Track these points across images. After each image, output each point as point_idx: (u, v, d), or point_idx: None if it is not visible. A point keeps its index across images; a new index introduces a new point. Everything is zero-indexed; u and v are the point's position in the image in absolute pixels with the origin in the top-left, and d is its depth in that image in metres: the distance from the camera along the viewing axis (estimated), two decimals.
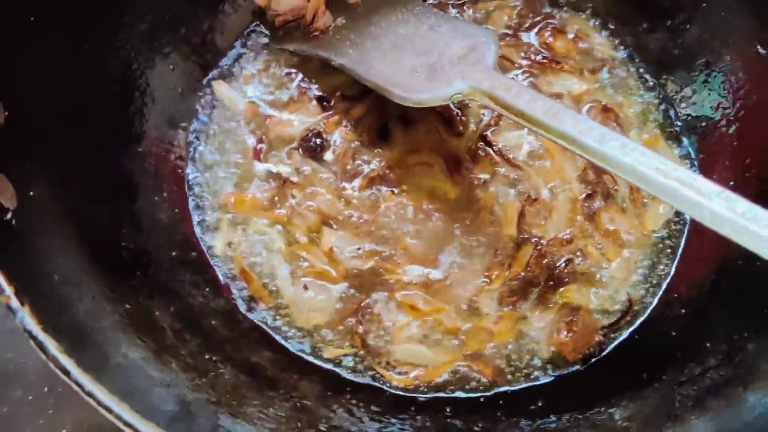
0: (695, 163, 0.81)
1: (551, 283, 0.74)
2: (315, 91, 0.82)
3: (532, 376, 0.70)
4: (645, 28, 0.86)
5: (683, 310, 0.72)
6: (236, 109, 0.81)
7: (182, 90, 0.79)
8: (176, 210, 0.74)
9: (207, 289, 0.71)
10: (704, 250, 0.74)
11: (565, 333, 0.71)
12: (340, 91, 0.81)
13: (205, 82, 0.81)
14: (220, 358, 0.63)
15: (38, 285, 0.51)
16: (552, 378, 0.70)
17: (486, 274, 0.74)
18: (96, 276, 0.59)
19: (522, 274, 0.74)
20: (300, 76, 0.83)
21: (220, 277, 0.73)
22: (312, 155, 0.78)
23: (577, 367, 0.71)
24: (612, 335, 0.73)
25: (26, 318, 0.47)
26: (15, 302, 0.47)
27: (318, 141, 0.78)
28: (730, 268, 0.69)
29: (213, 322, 0.68)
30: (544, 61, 0.85)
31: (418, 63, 0.74)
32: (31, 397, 0.80)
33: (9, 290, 0.47)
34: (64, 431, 0.78)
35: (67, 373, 0.46)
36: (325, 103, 0.81)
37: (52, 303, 0.51)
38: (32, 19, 0.62)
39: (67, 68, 0.66)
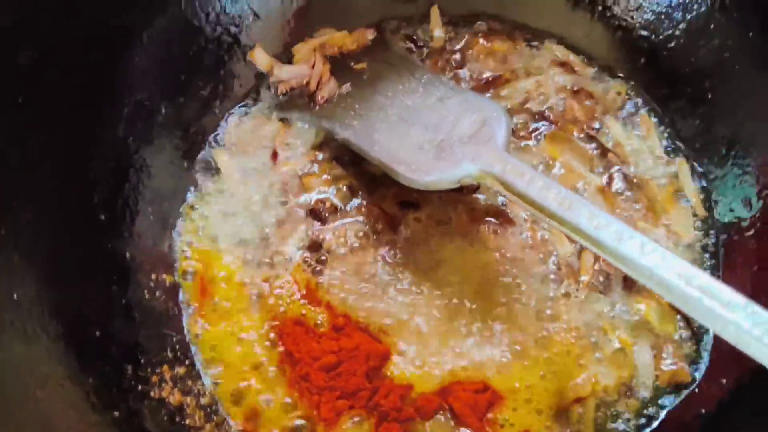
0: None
1: None
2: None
3: None
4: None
5: (703, 410, 0.68)
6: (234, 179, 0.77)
7: (179, 164, 0.76)
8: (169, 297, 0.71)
9: (200, 390, 0.67)
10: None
11: None
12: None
13: (201, 155, 0.78)
14: None
15: (20, 408, 0.48)
16: None
17: None
18: (82, 383, 0.56)
19: None
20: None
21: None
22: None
23: None
24: None
25: None
26: None
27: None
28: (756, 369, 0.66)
29: (207, 426, 0.64)
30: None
31: (425, 139, 0.70)
32: None
33: None
34: None
35: None
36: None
37: (34, 427, 0.48)
38: (20, 101, 0.59)
39: (58, 150, 0.63)
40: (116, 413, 0.58)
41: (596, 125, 0.81)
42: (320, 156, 0.78)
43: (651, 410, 0.69)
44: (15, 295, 0.54)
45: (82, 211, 0.65)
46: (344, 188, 0.76)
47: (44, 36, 0.61)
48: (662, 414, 0.69)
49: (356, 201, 0.76)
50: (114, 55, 0.69)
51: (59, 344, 0.57)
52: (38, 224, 0.59)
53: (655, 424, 0.68)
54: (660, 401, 0.69)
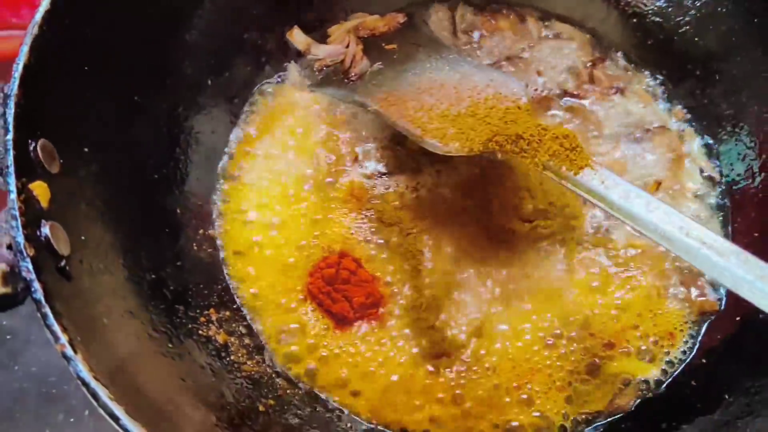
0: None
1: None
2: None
3: None
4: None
5: (704, 360, 0.73)
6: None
7: (223, 131, 0.83)
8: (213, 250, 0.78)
9: (243, 331, 0.74)
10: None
11: None
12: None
13: (242, 124, 0.85)
14: (259, 402, 0.65)
15: (89, 331, 0.54)
16: None
17: None
18: (140, 316, 0.63)
19: None
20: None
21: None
22: None
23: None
24: None
25: (79, 367, 0.50)
26: (69, 351, 0.50)
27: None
28: (752, 321, 0.71)
29: (248, 363, 0.71)
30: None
31: (450, 111, 0.76)
32: (72, 420, 0.84)
33: (64, 338, 0.50)
34: None
35: (116, 419, 0.49)
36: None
37: (102, 349, 0.55)
38: (86, 68, 0.66)
39: (118, 115, 0.70)
40: (170, 345, 0.64)
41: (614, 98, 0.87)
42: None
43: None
44: (83, 237, 0.60)
45: (138, 170, 0.72)
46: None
47: (108, 11, 0.68)
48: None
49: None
50: (168, 33, 0.76)
51: (120, 282, 0.63)
52: (101, 178, 0.66)
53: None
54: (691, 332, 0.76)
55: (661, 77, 0.88)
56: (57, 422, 0.83)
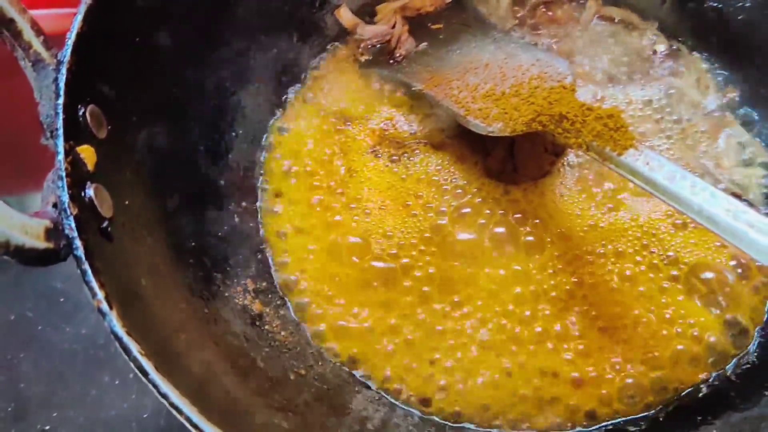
0: None
1: None
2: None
3: None
4: None
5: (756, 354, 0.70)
6: None
7: (269, 107, 0.84)
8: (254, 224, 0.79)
9: (279, 303, 0.75)
10: None
11: None
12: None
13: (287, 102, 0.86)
14: (290, 371, 0.66)
15: (127, 290, 0.56)
16: None
17: None
18: (179, 281, 0.65)
19: None
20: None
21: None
22: None
23: None
24: None
25: (113, 321, 0.51)
26: (105, 306, 0.52)
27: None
28: None
29: (282, 333, 0.72)
30: None
31: (494, 91, 0.76)
32: (117, 382, 0.87)
33: (101, 294, 0.52)
34: (145, 415, 0.84)
35: (145, 374, 0.50)
36: None
37: (138, 307, 0.56)
38: (137, 39, 0.68)
39: (166, 86, 0.71)
40: (206, 310, 0.66)
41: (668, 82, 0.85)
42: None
43: None
44: (126, 202, 0.62)
45: (183, 140, 0.73)
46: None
47: None
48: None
49: None
50: (218, 7, 0.77)
51: (161, 247, 0.65)
52: (148, 146, 0.68)
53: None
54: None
55: (717, 63, 0.85)
56: (103, 383, 0.86)
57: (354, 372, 0.72)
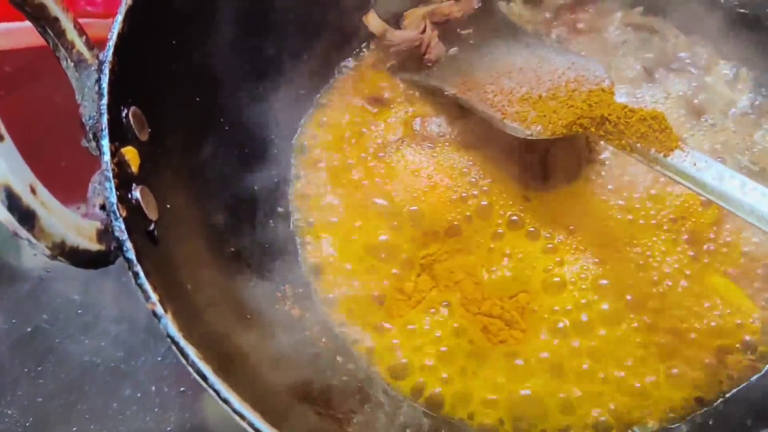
0: None
1: None
2: None
3: None
4: None
5: None
6: None
7: (301, 110, 0.85)
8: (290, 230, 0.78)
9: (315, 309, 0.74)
10: None
11: None
12: None
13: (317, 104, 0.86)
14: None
15: (176, 292, 0.55)
16: None
17: None
18: (221, 285, 0.63)
19: None
20: None
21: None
22: None
23: None
24: None
25: (169, 325, 0.50)
26: (159, 309, 0.50)
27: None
28: None
29: (324, 339, 0.71)
30: None
31: (531, 94, 0.75)
32: (139, 395, 0.84)
33: (155, 297, 0.50)
34: (168, 429, 0.82)
35: (204, 378, 0.49)
36: None
37: (188, 310, 0.55)
38: (174, 42, 0.67)
39: (201, 88, 0.70)
40: (248, 316, 0.64)
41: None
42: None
43: None
44: (168, 204, 0.61)
45: (219, 144, 0.72)
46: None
47: None
48: None
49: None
50: (252, 12, 0.77)
51: (202, 251, 0.64)
52: (187, 148, 0.67)
53: None
54: None
55: (746, 68, 0.86)
56: (124, 396, 0.83)
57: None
